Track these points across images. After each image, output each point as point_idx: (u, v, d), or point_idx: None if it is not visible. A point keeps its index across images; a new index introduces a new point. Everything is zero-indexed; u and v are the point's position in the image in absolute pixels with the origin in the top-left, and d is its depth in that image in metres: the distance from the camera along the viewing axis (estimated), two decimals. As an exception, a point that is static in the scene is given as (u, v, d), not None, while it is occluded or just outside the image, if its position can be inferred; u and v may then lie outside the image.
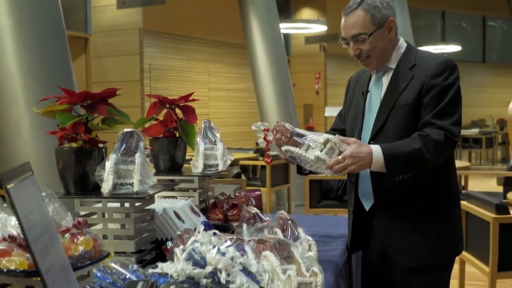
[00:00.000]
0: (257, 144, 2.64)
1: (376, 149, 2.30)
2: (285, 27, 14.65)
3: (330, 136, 2.28)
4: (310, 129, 12.67)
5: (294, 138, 2.32)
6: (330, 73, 17.96)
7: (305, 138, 2.31)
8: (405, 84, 2.45)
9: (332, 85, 18.04)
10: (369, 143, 2.45)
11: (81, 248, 1.37)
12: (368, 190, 2.54)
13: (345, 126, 2.74)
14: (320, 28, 16.16)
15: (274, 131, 2.36)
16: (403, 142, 2.34)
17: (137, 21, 12.42)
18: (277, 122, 2.42)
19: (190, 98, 2.64)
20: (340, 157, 2.25)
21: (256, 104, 10.37)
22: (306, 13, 18.15)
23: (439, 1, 19.39)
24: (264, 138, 2.39)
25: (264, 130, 2.39)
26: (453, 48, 17.87)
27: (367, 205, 2.57)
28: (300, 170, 2.58)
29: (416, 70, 2.45)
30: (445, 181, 2.52)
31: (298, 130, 2.36)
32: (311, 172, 2.50)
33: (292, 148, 2.31)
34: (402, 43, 2.56)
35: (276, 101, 9.84)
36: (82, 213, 2.02)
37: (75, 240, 1.39)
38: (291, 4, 18.37)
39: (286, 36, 16.76)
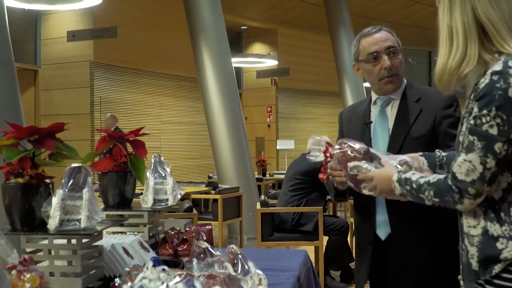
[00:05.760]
0: (308, 157, 2.41)
1: None
2: (236, 61, 14.80)
3: (408, 159, 2.17)
4: (262, 162, 12.74)
5: (370, 153, 2.16)
6: (282, 107, 18.12)
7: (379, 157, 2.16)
8: (414, 117, 2.53)
9: (284, 118, 18.20)
10: None
11: (28, 285, 1.36)
12: (385, 219, 2.54)
13: None
14: (271, 63, 16.39)
15: (343, 144, 2.19)
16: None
17: (87, 54, 12.36)
18: (343, 139, 2.24)
19: (140, 132, 2.63)
20: None
21: (208, 137, 10.38)
22: (258, 47, 18.35)
23: (387, 37, 19.84)
24: (325, 152, 2.29)
25: (326, 143, 2.30)
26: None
27: (383, 235, 2.56)
28: (343, 195, 2.57)
29: (422, 103, 2.55)
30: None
31: (371, 149, 2.20)
32: (350, 195, 2.54)
33: (365, 165, 2.13)
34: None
35: (228, 135, 9.86)
36: (28, 249, 1.98)
37: (22, 277, 1.38)
38: (242, 38, 18.57)
39: (238, 70, 16.91)
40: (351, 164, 2.15)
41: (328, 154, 2.27)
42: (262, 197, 6.76)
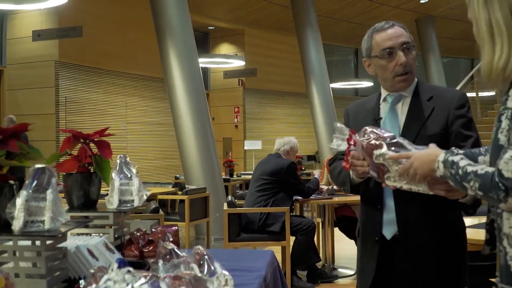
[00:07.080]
0: (331, 146, 2.33)
1: None
2: (203, 62, 14.77)
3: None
4: (230, 162, 12.74)
5: (397, 141, 2.06)
6: (249, 107, 18.15)
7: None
8: (426, 115, 2.50)
9: (251, 119, 18.23)
10: None
11: (-7, 286, 1.35)
12: (392, 218, 2.51)
13: None
14: (238, 63, 16.41)
15: (368, 132, 2.13)
16: None
17: (53, 53, 12.24)
18: (367, 127, 2.17)
19: (106, 133, 2.62)
20: None
21: (175, 137, 10.34)
22: (225, 48, 18.36)
23: (352, 39, 19.98)
24: (348, 139, 2.20)
25: (350, 130, 2.21)
26: (365, 83, 18.47)
27: (389, 234, 2.54)
28: (358, 188, 2.55)
29: (435, 101, 2.51)
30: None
31: (398, 137, 2.11)
32: (364, 190, 2.52)
33: (392, 152, 2.04)
34: None
35: (195, 135, 9.83)
36: (-7, 251, 1.96)
37: (-13, 279, 1.37)
38: (209, 39, 18.55)
39: (205, 71, 16.89)
40: (377, 151, 2.06)
41: (351, 142, 2.19)
42: (229, 197, 6.77)
